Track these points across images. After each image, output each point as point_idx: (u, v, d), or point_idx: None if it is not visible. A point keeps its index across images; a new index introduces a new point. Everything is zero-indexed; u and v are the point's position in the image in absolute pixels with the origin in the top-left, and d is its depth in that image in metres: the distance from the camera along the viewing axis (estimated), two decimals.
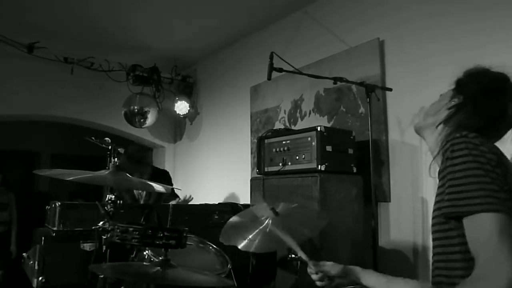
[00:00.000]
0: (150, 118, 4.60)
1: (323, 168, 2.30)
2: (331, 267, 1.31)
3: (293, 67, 2.31)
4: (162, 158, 5.28)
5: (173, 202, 2.95)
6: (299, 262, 1.63)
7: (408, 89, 2.52)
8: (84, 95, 4.62)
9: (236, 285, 1.79)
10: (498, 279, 0.81)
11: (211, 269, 1.72)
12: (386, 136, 2.65)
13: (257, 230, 1.66)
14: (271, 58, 2.22)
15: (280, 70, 2.23)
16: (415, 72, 2.51)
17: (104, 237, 1.46)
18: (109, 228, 1.38)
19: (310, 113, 3.24)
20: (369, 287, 1.24)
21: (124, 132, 4.87)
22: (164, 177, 3.35)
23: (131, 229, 1.24)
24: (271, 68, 2.21)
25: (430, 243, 1.05)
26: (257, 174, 2.78)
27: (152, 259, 1.65)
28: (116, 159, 1.92)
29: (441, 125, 1.14)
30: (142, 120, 4.57)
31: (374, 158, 2.42)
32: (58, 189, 6.89)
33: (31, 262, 2.09)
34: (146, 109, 4.53)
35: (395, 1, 2.69)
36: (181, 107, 4.72)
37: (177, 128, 5.31)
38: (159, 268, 1.27)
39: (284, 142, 2.57)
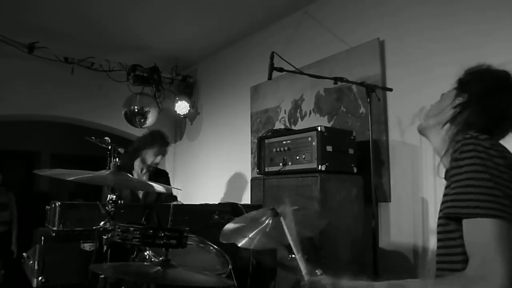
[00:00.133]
0: (151, 118, 4.60)
1: (323, 168, 2.31)
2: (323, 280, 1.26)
3: (293, 67, 2.31)
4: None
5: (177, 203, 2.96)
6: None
7: (408, 89, 2.52)
8: (84, 95, 4.63)
9: (236, 285, 1.79)
10: (488, 285, 0.82)
11: (211, 269, 1.72)
12: (386, 136, 2.65)
13: (256, 230, 1.67)
14: (272, 58, 2.22)
15: (281, 70, 2.23)
16: (415, 72, 2.51)
17: (105, 237, 1.46)
18: (110, 228, 1.38)
19: (310, 113, 3.25)
20: None
21: (124, 132, 4.87)
22: (163, 177, 3.36)
23: (132, 228, 1.24)
24: (272, 68, 2.21)
25: (430, 244, 1.06)
26: (258, 174, 2.78)
27: (152, 259, 1.65)
28: (116, 158, 1.92)
29: (447, 125, 1.13)
30: (142, 120, 4.57)
31: (375, 158, 2.42)
32: (58, 189, 6.90)
33: (31, 262, 2.09)
34: (146, 109, 4.53)
35: (395, 1, 2.69)
36: (182, 107, 4.72)
37: (177, 128, 5.31)
38: (159, 268, 1.27)
39: (284, 142, 2.57)
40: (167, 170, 3.79)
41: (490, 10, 2.18)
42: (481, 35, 2.18)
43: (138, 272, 1.35)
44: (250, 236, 1.65)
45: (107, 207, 1.63)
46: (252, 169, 3.78)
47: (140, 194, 3.17)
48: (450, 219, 0.96)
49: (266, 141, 2.73)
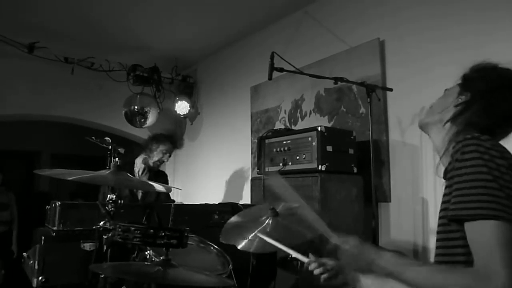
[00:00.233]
0: (151, 118, 4.60)
1: (323, 168, 2.31)
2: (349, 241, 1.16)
3: (293, 67, 2.31)
4: None
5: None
6: (299, 262, 1.64)
7: (408, 89, 2.52)
8: (85, 95, 4.63)
9: (236, 285, 1.79)
10: (491, 286, 0.82)
11: (212, 269, 1.72)
12: (386, 136, 2.65)
13: (256, 231, 1.66)
14: (272, 58, 2.22)
15: (281, 70, 2.23)
16: (415, 72, 2.51)
17: (105, 236, 1.46)
18: (111, 228, 1.38)
19: (310, 113, 3.25)
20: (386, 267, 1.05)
21: (125, 132, 4.88)
22: (162, 178, 3.37)
23: (133, 228, 1.24)
24: (272, 68, 2.21)
25: (431, 244, 1.06)
26: (258, 174, 2.78)
27: (153, 259, 1.65)
28: (117, 158, 1.92)
29: (448, 123, 1.11)
30: (142, 120, 4.57)
31: (375, 158, 2.42)
32: (58, 189, 6.90)
33: (31, 261, 2.09)
34: (146, 109, 4.53)
35: (396, 1, 2.70)
36: (182, 107, 4.72)
37: (177, 128, 5.30)
38: (160, 267, 1.27)
39: (284, 142, 2.57)
40: (168, 170, 3.81)
41: (490, 10, 2.18)
42: (481, 35, 2.18)
43: (138, 272, 1.36)
44: (249, 237, 1.64)
45: (107, 207, 1.63)
46: (252, 169, 3.78)
47: (139, 194, 3.18)
48: (453, 221, 0.95)
49: (266, 141, 2.73)
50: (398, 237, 2.54)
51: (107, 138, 2.22)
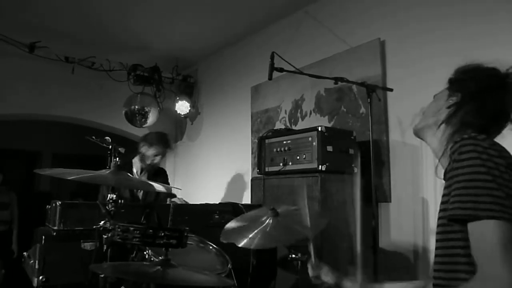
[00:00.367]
0: (151, 118, 4.60)
1: (323, 168, 2.31)
2: (326, 273, 1.33)
3: (294, 67, 2.31)
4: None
5: (175, 199, 2.97)
6: (299, 262, 1.64)
7: (408, 90, 2.52)
8: (85, 95, 4.63)
9: (236, 285, 1.79)
10: (490, 286, 0.82)
11: (211, 269, 1.72)
12: (386, 137, 2.65)
13: (257, 230, 1.66)
14: (272, 58, 2.22)
15: (281, 70, 2.23)
16: (416, 73, 2.51)
17: (105, 236, 1.46)
18: (110, 228, 1.38)
19: (310, 113, 3.25)
20: None
21: (125, 131, 4.88)
22: (161, 175, 3.37)
23: (132, 228, 1.24)
24: (272, 68, 2.21)
25: (431, 244, 1.05)
26: (258, 174, 2.78)
27: (152, 259, 1.65)
28: (117, 158, 1.92)
29: (443, 125, 1.12)
30: (143, 120, 4.57)
31: (375, 159, 2.42)
32: (59, 189, 6.91)
33: (32, 261, 2.09)
34: (147, 108, 4.54)
35: (396, 2, 2.70)
36: (182, 107, 4.72)
37: (177, 128, 5.31)
38: (159, 267, 1.27)
39: (284, 142, 2.57)
40: (168, 170, 3.80)
41: (491, 12, 2.18)
42: (482, 36, 2.18)
43: (138, 272, 1.35)
44: (250, 236, 1.64)
45: (107, 207, 1.62)
46: (253, 169, 3.78)
47: (140, 194, 3.18)
48: (454, 221, 0.95)
49: (267, 141, 2.73)
50: (398, 237, 2.54)
51: (107, 137, 2.22)
